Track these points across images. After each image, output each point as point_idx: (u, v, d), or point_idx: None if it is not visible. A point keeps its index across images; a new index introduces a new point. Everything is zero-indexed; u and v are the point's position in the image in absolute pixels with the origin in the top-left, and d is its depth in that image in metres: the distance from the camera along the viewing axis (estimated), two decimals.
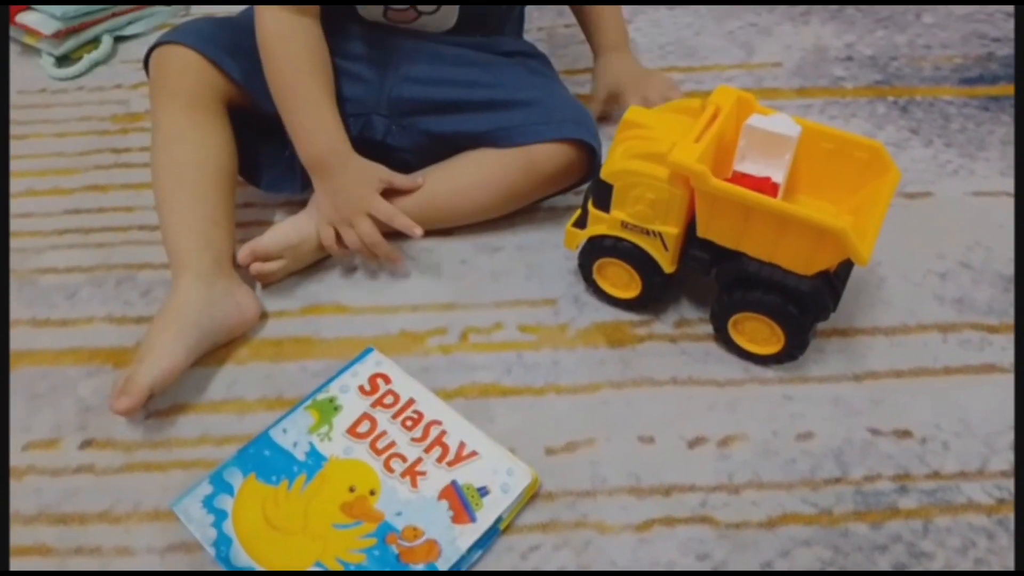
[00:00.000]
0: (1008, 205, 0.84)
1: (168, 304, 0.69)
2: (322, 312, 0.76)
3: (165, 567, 0.58)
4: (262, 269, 0.74)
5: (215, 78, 0.77)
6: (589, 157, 0.79)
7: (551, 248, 0.81)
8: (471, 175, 0.79)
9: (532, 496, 0.61)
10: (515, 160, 0.78)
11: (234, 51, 0.77)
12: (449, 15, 0.80)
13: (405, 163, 0.82)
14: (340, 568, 0.56)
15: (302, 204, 0.79)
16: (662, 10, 1.14)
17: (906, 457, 0.63)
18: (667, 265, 0.69)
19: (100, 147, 0.94)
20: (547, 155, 0.78)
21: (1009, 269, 0.77)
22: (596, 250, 0.72)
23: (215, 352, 0.72)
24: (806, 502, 0.61)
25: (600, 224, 0.70)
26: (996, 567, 0.57)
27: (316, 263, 0.79)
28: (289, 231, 0.76)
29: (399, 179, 0.77)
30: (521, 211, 0.84)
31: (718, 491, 0.62)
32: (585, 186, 0.84)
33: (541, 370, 0.70)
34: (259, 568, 0.56)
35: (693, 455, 0.64)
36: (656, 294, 0.72)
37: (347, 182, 0.75)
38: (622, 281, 0.73)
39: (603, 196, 0.68)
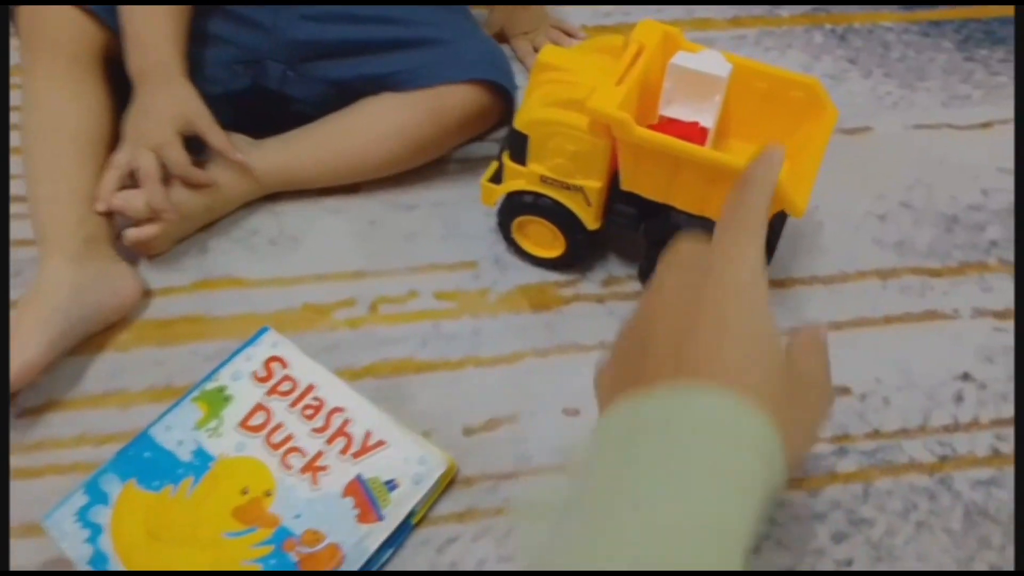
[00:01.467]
0: (950, 138, 0.79)
1: (32, 290, 0.61)
2: (215, 287, 0.68)
3: None
4: (138, 235, 0.66)
5: (93, 31, 0.67)
6: (503, 100, 0.72)
7: (470, 205, 0.74)
8: (375, 124, 0.72)
9: (448, 484, 0.56)
10: (422, 105, 0.71)
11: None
12: None
13: (305, 116, 0.73)
14: None
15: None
16: None
17: (845, 416, 0.59)
18: (591, 221, 0.63)
19: None
20: (457, 98, 0.71)
21: (951, 208, 0.73)
22: (515, 207, 0.65)
23: (93, 339, 0.64)
24: None
25: (517, 179, 0.63)
26: (938, 529, 0.54)
27: (207, 229, 0.71)
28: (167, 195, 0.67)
29: (215, 136, 0.67)
30: (435, 164, 0.77)
31: None
32: (502, 132, 0.77)
33: (460, 341, 0.64)
34: None
35: None
36: (581, 252, 0.66)
37: (153, 106, 0.65)
38: (545, 240, 0.66)
39: (519, 148, 0.61)
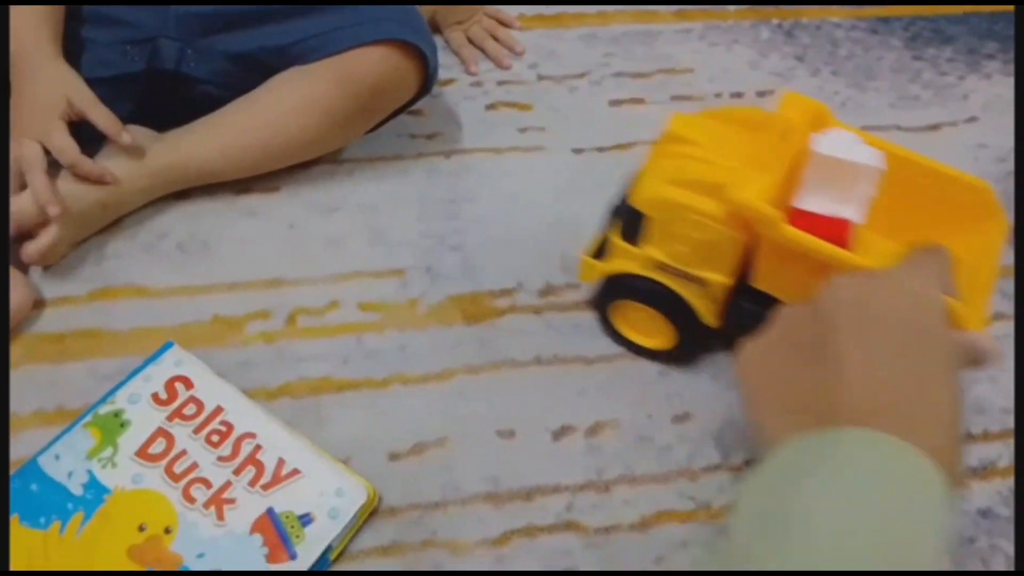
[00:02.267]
0: (898, 139, 0.77)
1: None
2: (116, 296, 0.62)
3: None
4: (38, 248, 0.59)
5: None
6: (423, 66, 0.67)
7: (399, 206, 0.69)
8: (281, 100, 0.66)
9: (369, 515, 0.51)
10: (329, 75, 0.65)
11: None
12: None
13: (211, 98, 0.68)
14: None
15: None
16: None
17: None
18: (710, 317, 0.55)
19: None
20: (366, 63, 0.65)
21: None
22: (619, 289, 0.57)
23: None
24: (683, 495, 0.54)
25: (627, 260, 0.55)
26: None
27: (109, 230, 0.65)
28: (56, 184, 0.60)
29: (98, 115, 0.61)
30: (362, 161, 0.72)
31: (586, 490, 0.54)
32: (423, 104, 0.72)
33: (385, 357, 0.60)
34: None
35: (558, 449, 0.56)
36: (691, 348, 0.59)
37: (28, 93, 0.60)
38: (647, 328, 0.58)
39: (634, 226, 0.53)
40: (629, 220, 0.54)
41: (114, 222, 0.65)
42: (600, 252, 0.58)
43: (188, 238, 0.66)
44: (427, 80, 0.69)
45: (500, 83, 0.80)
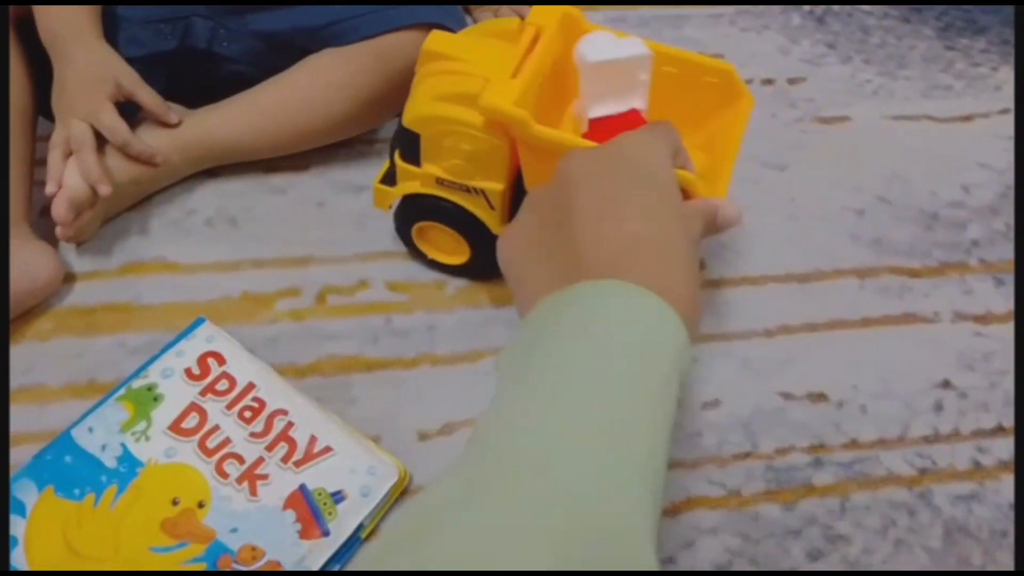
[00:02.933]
0: (929, 130, 0.77)
1: None
2: (146, 271, 0.62)
3: None
4: (66, 234, 0.59)
5: None
6: None
7: None
8: (315, 81, 0.65)
9: (400, 494, 0.52)
10: (364, 56, 0.65)
11: None
12: None
13: (242, 77, 0.67)
14: None
15: None
16: None
17: (821, 425, 0.57)
18: (496, 226, 0.56)
19: None
20: (402, 46, 0.64)
21: (931, 204, 0.70)
22: (412, 211, 0.59)
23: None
24: (712, 482, 0.54)
25: (412, 181, 0.56)
26: (917, 547, 0.51)
27: (139, 207, 0.65)
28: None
29: (145, 94, 0.62)
30: (389, 141, 0.71)
31: None
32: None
33: (414, 337, 0.60)
34: None
35: None
36: (488, 258, 0.60)
37: (73, 74, 0.60)
38: (448, 246, 0.60)
39: (411, 147, 0.54)
40: (406, 142, 0.55)
41: (144, 198, 0.65)
42: (388, 179, 0.59)
43: (217, 215, 0.66)
44: None
45: None
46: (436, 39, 0.54)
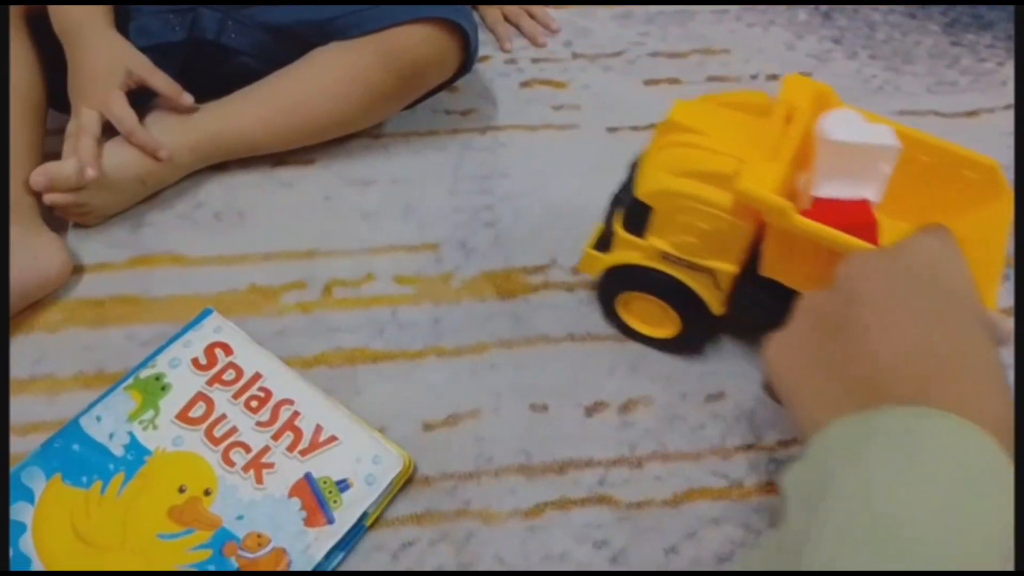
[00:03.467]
0: (936, 126, 0.76)
1: None
2: (154, 264, 0.63)
3: None
4: (55, 200, 0.60)
5: None
6: (463, 44, 0.67)
7: (432, 182, 0.69)
8: (322, 74, 0.66)
9: (405, 483, 0.52)
10: (371, 50, 0.65)
11: None
12: None
13: (249, 69, 0.68)
14: None
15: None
16: None
17: None
18: (717, 306, 0.54)
19: None
20: (408, 41, 0.65)
21: None
22: (624, 281, 0.56)
23: (17, 317, 0.58)
24: (716, 474, 0.54)
25: (631, 251, 0.54)
26: None
27: (148, 201, 0.66)
28: (106, 161, 0.61)
29: (159, 79, 0.63)
30: (396, 136, 0.72)
31: (618, 465, 0.54)
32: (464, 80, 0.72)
33: (419, 329, 0.60)
34: None
35: (591, 424, 0.56)
36: (699, 337, 0.58)
37: (85, 62, 0.61)
38: (654, 318, 0.58)
39: (638, 218, 0.52)
40: (632, 211, 0.53)
41: (147, 195, 0.66)
42: (602, 242, 0.57)
43: (225, 208, 0.66)
44: (467, 59, 0.69)
45: (534, 61, 0.80)
46: (681, 109, 0.51)
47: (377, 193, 0.68)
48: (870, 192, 0.48)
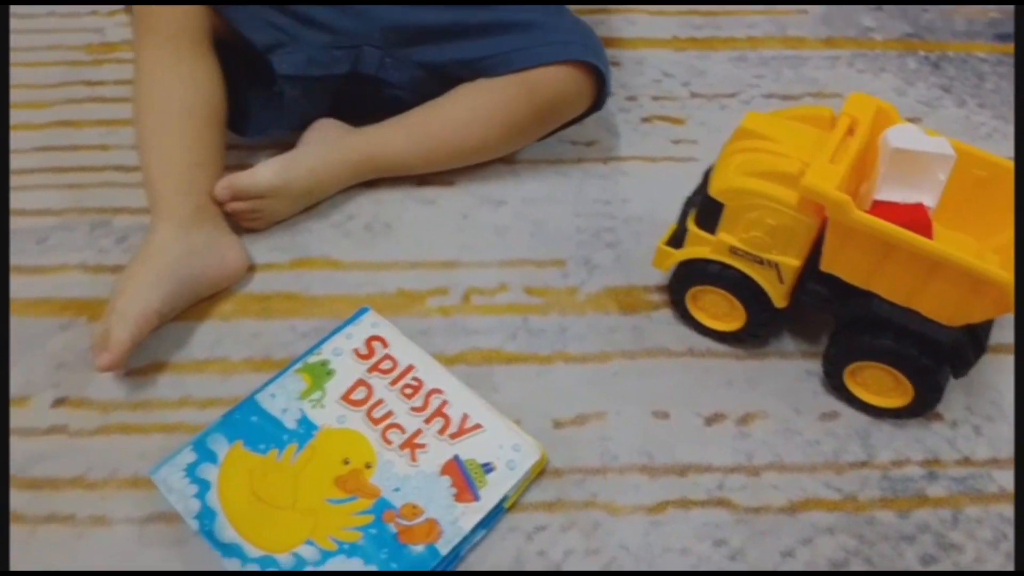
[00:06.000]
0: None
1: (143, 250, 0.64)
2: (313, 266, 0.70)
3: (143, 538, 0.54)
4: (237, 208, 0.68)
5: (199, 10, 0.70)
6: (597, 83, 0.74)
7: (558, 204, 0.75)
8: (469, 107, 0.73)
9: (539, 473, 0.57)
10: (514, 87, 0.72)
11: None
12: None
13: (399, 100, 0.76)
14: (333, 547, 0.52)
15: (290, 147, 0.73)
16: None
17: (935, 441, 0.60)
18: (780, 299, 0.59)
19: (72, 79, 0.86)
20: (549, 80, 0.72)
21: None
22: (694, 275, 0.62)
23: (197, 306, 0.66)
24: (830, 487, 0.57)
25: (702, 246, 0.60)
26: None
27: (307, 211, 0.74)
28: (277, 170, 0.70)
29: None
30: (526, 163, 0.79)
31: (736, 472, 0.58)
32: (596, 116, 0.77)
33: (548, 336, 0.66)
34: (246, 544, 0.52)
35: (710, 433, 0.60)
36: (762, 329, 0.63)
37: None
38: (720, 311, 0.63)
39: (709, 215, 0.58)
40: (706, 209, 0.59)
41: (312, 204, 0.74)
42: (674, 241, 0.63)
43: (374, 220, 0.74)
44: (601, 98, 0.75)
45: (654, 99, 0.86)
46: (753, 119, 0.58)
47: (509, 213, 0.75)
48: (927, 197, 0.55)
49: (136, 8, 0.71)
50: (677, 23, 0.96)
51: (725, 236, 0.59)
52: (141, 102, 0.69)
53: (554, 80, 0.72)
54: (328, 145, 0.73)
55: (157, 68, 0.69)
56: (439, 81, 0.75)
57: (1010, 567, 0.53)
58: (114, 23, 0.93)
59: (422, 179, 0.76)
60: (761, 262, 0.58)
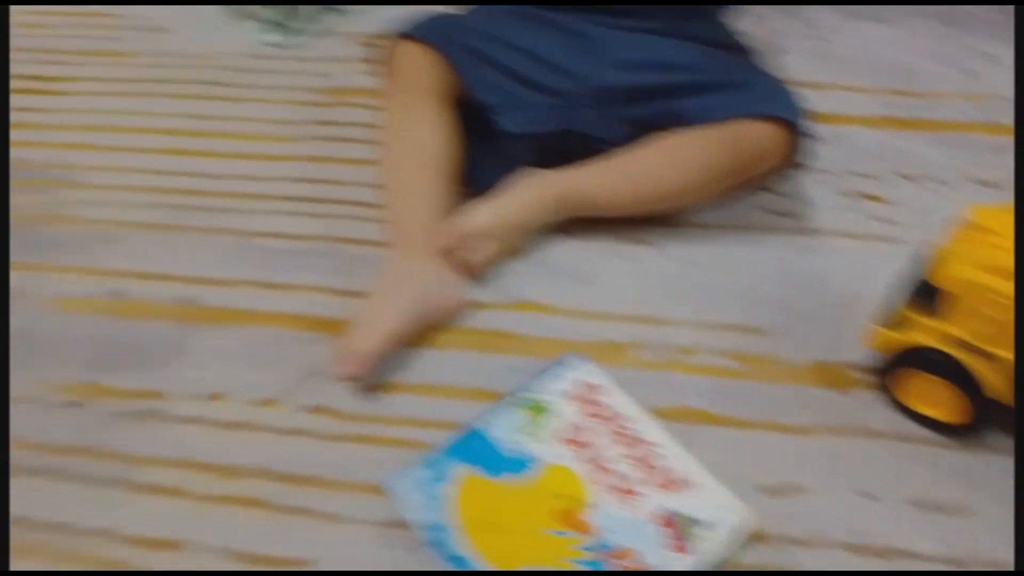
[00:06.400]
0: None
1: (387, 278, 0.72)
2: (524, 308, 0.76)
3: (380, 540, 0.60)
4: (457, 248, 0.75)
5: (443, 71, 0.79)
6: (796, 144, 0.77)
7: (758, 271, 0.78)
8: (671, 153, 0.78)
9: (746, 536, 0.59)
10: (717, 136, 0.76)
11: (463, 49, 0.80)
12: None
13: (602, 152, 0.81)
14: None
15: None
16: (867, 21, 1.09)
17: None
18: (1004, 394, 0.60)
19: (311, 118, 0.97)
20: (750, 132, 0.76)
21: None
22: (911, 360, 0.63)
23: (423, 335, 0.73)
24: None
25: (925, 333, 0.62)
26: None
27: (516, 257, 0.79)
28: (488, 211, 0.76)
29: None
30: (724, 228, 0.82)
31: (946, 563, 0.58)
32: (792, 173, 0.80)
33: (752, 402, 0.68)
34: (479, 557, 0.56)
35: (917, 518, 0.61)
36: (981, 424, 0.63)
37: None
38: (932, 398, 0.64)
39: (928, 301, 0.61)
40: (922, 295, 0.60)
41: (520, 252, 0.80)
42: (884, 322, 0.64)
43: (578, 271, 0.79)
44: (799, 157, 0.78)
45: (854, 174, 0.88)
46: (980, 213, 0.61)
47: (709, 275, 0.78)
48: None
49: (393, 68, 0.80)
50: (878, 101, 0.97)
51: (949, 326, 0.60)
52: (390, 149, 0.78)
53: (754, 133, 0.75)
54: (532, 185, 0.79)
55: (409, 120, 0.78)
56: (644, 132, 0.80)
57: None
58: (345, 69, 1.04)
59: (623, 235, 0.81)
60: (984, 354, 0.59)
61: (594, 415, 0.64)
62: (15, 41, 1.09)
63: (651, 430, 0.63)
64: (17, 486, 0.63)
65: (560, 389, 0.66)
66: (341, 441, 0.67)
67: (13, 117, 0.98)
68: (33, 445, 0.67)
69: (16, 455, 0.66)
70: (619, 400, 0.65)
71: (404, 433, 0.67)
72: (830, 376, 0.70)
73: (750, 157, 0.77)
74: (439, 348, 0.73)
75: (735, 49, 0.84)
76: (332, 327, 0.74)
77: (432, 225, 0.75)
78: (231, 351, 0.73)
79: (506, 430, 0.64)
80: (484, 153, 0.82)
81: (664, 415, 0.67)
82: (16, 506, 0.61)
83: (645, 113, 0.80)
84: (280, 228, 0.84)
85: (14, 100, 1.01)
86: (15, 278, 0.79)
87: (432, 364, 0.72)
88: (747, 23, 0.92)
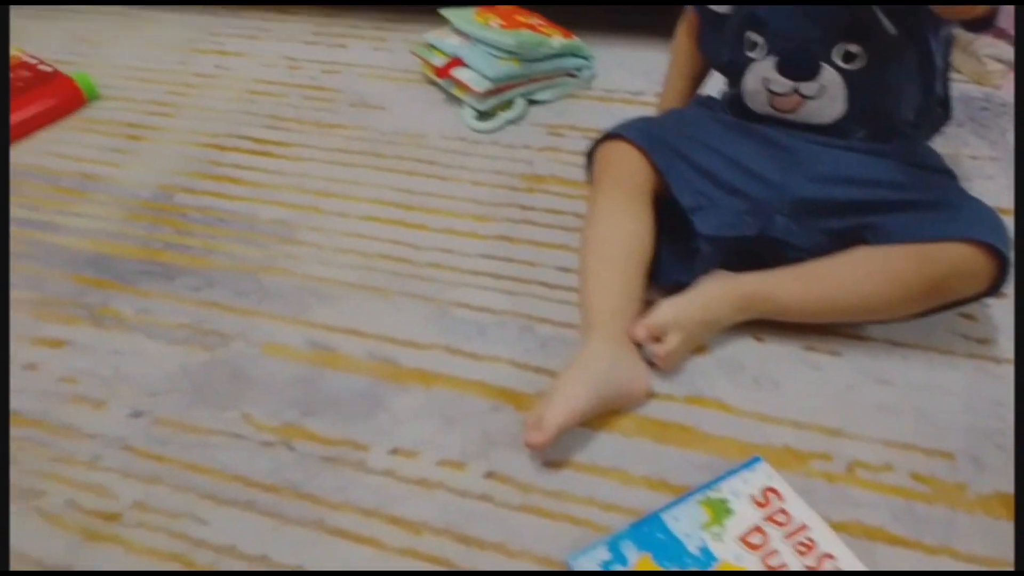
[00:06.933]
0: None
1: (579, 357, 0.76)
2: (705, 405, 0.78)
3: None
4: (657, 350, 0.79)
5: (648, 170, 0.84)
6: (997, 269, 0.75)
7: (947, 395, 0.77)
8: (860, 266, 0.78)
9: None
10: (910, 254, 0.76)
11: (667, 150, 0.85)
12: (835, 98, 0.82)
13: (796, 260, 0.83)
14: None
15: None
16: None
17: None
18: None
19: (509, 201, 1.05)
20: (946, 254, 0.75)
21: None
22: None
23: (603, 418, 0.77)
24: None
25: None
26: None
27: (702, 355, 0.82)
28: (675, 306, 0.80)
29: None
30: (915, 347, 0.82)
31: None
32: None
33: (934, 527, 0.67)
34: None
35: None
36: None
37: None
38: None
39: None
40: None
41: (706, 348, 0.83)
42: None
43: (762, 374, 0.81)
44: (999, 283, 0.76)
45: None
46: None
47: (896, 394, 0.78)
48: None
49: (600, 163, 0.87)
50: None
51: None
52: (591, 238, 0.84)
53: (951, 255, 0.75)
54: (720, 282, 0.82)
55: (613, 213, 0.83)
56: (838, 244, 0.81)
57: None
58: (543, 158, 1.12)
59: (813, 344, 0.82)
60: None
61: (775, 522, 0.66)
62: (240, 105, 1.25)
63: (832, 544, 0.64)
64: (218, 516, 0.71)
65: (743, 491, 0.68)
66: (521, 511, 0.71)
67: (241, 175, 1.13)
68: (237, 478, 0.75)
69: (220, 487, 0.74)
70: (800, 510, 0.66)
71: (577, 511, 0.70)
72: (1010, 508, 0.68)
73: (947, 278, 0.76)
74: (620, 433, 0.77)
75: (936, 170, 0.85)
76: (515, 398, 0.79)
77: (625, 313, 0.79)
78: (424, 411, 0.80)
79: (688, 524, 0.66)
80: (675, 250, 0.86)
81: (841, 529, 0.67)
82: (219, 536, 0.69)
83: (842, 226, 0.82)
84: (475, 301, 0.91)
85: (239, 159, 1.16)
86: (230, 320, 0.90)
87: (610, 448, 0.75)
88: (947, 145, 0.93)
